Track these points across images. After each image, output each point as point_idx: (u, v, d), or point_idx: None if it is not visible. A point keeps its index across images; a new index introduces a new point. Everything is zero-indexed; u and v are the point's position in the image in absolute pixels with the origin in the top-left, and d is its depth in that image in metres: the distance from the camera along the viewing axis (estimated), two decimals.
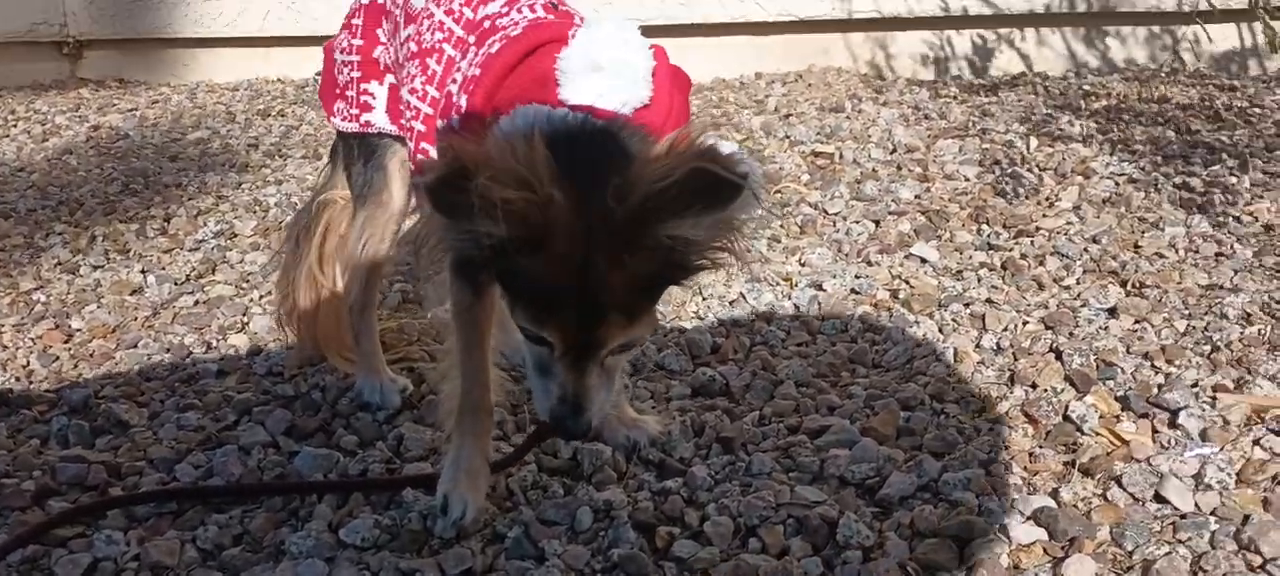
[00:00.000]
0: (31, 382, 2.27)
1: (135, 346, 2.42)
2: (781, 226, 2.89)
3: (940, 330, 2.20)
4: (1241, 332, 2.08)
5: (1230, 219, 2.67)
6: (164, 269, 2.86)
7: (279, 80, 5.48)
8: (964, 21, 5.03)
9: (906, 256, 2.58)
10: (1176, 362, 1.99)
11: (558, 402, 1.44)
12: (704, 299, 2.45)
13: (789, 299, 2.41)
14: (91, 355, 2.39)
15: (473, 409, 1.76)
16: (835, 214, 2.95)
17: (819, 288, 2.45)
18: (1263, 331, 2.07)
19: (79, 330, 2.52)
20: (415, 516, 1.70)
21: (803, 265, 2.60)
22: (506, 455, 1.79)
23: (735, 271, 2.57)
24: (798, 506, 1.65)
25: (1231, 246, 2.49)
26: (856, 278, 2.48)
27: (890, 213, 2.89)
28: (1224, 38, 4.83)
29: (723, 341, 2.24)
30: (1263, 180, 2.94)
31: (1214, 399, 1.85)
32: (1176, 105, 3.92)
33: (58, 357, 2.38)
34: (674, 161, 1.32)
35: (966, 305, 2.29)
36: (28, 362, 2.36)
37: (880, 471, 1.73)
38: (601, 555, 1.60)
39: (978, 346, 2.13)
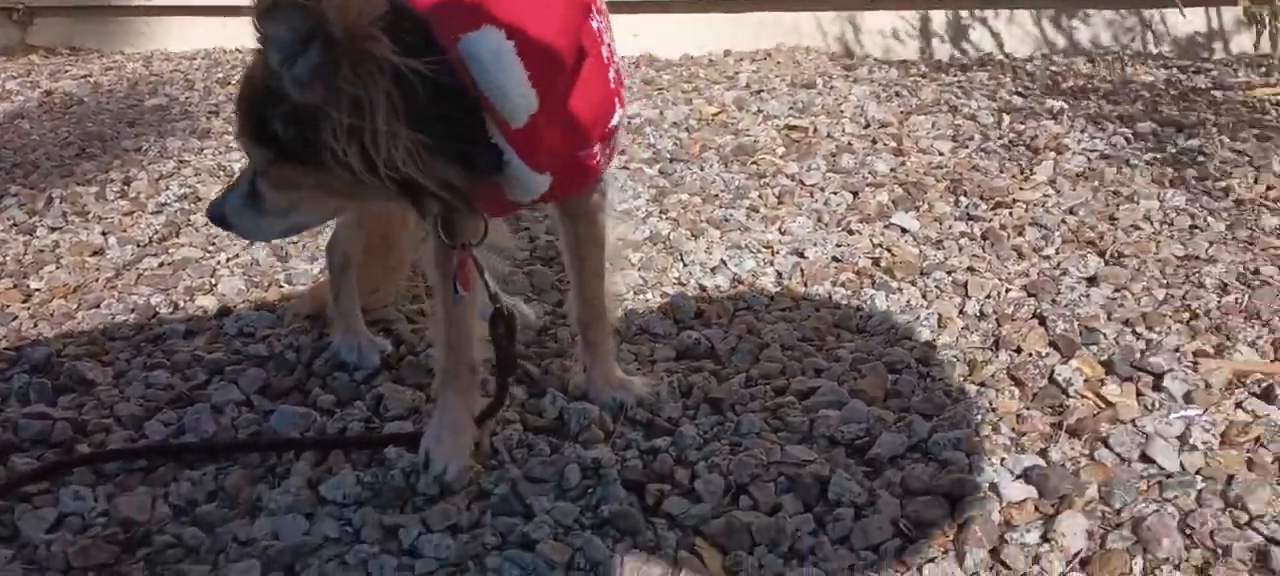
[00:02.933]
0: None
1: (98, 307, 2.35)
2: (759, 197, 2.87)
3: (924, 296, 2.20)
4: (1219, 301, 2.09)
5: (1202, 193, 2.69)
6: (125, 231, 2.78)
7: (237, 50, 5.37)
8: (934, 1, 5.04)
9: (886, 226, 2.58)
10: (1157, 329, 2.00)
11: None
12: (685, 265, 2.42)
13: (771, 265, 2.39)
14: (51, 315, 2.32)
15: (455, 366, 1.72)
16: (812, 185, 2.94)
17: (800, 255, 2.43)
18: (1239, 299, 2.08)
19: (38, 289, 2.45)
20: (397, 474, 1.66)
21: (783, 233, 2.58)
22: (485, 406, 1.75)
23: (716, 239, 2.56)
24: (788, 465, 1.63)
25: (1205, 220, 2.51)
26: (837, 246, 2.47)
27: (868, 184, 2.89)
28: (1190, 21, 4.88)
29: (706, 306, 2.21)
30: (1232, 157, 2.97)
31: (1196, 364, 1.85)
32: (1143, 85, 3.95)
33: (16, 316, 2.30)
34: None
35: (949, 273, 2.29)
36: None
37: (870, 431, 1.71)
38: (591, 512, 1.57)
39: (961, 312, 2.13)
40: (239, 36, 5.47)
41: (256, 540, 1.54)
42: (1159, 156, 3.02)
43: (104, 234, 2.75)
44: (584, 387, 1.87)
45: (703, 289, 2.31)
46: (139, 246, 2.68)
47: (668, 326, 2.14)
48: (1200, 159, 2.98)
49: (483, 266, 1.66)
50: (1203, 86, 3.95)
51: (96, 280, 2.49)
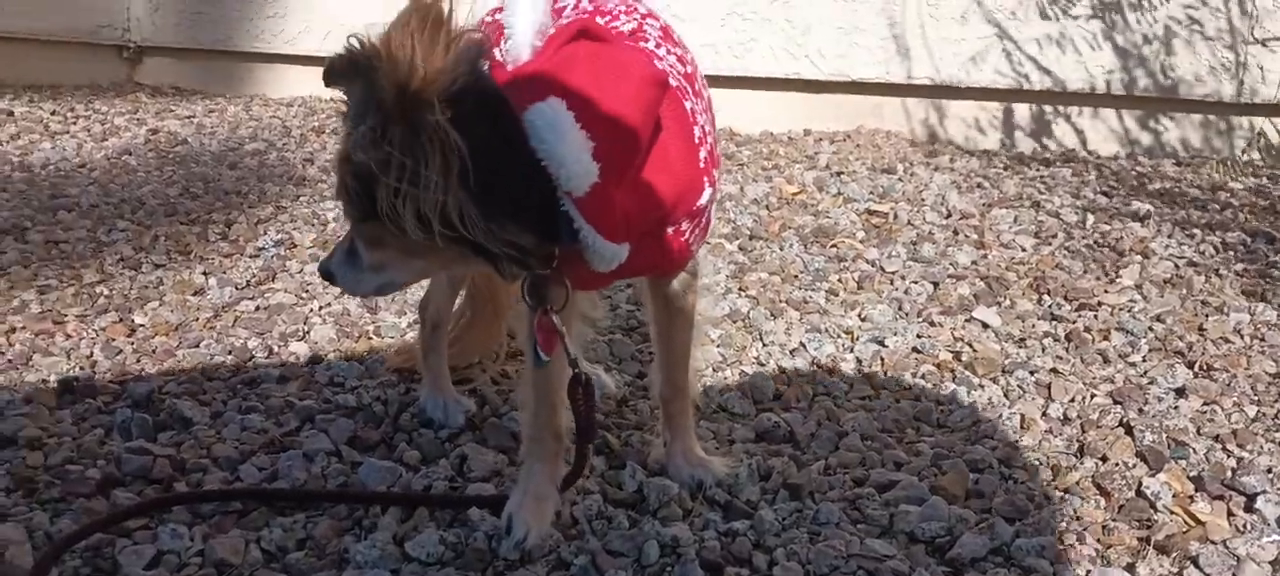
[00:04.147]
0: (95, 373, 2.28)
1: (197, 346, 2.44)
2: (839, 280, 2.89)
3: (1005, 395, 2.19)
4: None
5: None
6: (225, 272, 2.88)
7: (331, 99, 5.53)
8: (1019, 94, 5.04)
9: (967, 320, 2.58)
10: (1248, 447, 1.97)
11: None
12: (764, 344, 2.44)
13: (851, 352, 2.40)
14: (154, 351, 2.41)
15: (540, 433, 1.76)
16: (892, 272, 2.95)
17: (880, 343, 2.44)
18: None
19: (142, 325, 2.54)
20: (480, 536, 1.69)
21: (863, 320, 2.59)
22: (566, 474, 1.78)
23: (795, 320, 2.58)
24: (868, 559, 1.64)
25: None
26: (918, 337, 2.48)
27: (949, 276, 2.89)
28: (1277, 131, 4.82)
29: (784, 388, 2.23)
30: None
31: None
32: (1232, 193, 3.90)
33: (121, 350, 2.39)
34: None
35: (1031, 373, 2.28)
36: (92, 353, 2.37)
37: (950, 531, 1.71)
38: None
39: (1044, 414, 2.12)
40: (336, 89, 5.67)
41: None
42: (1249, 267, 2.98)
43: (205, 275, 2.85)
44: (664, 462, 1.89)
45: (782, 370, 2.32)
46: (237, 289, 2.77)
47: (747, 406, 2.16)
48: None
49: (565, 332, 1.69)
50: None
51: (196, 319, 2.58)
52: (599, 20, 1.70)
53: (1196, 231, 3.35)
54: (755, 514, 1.76)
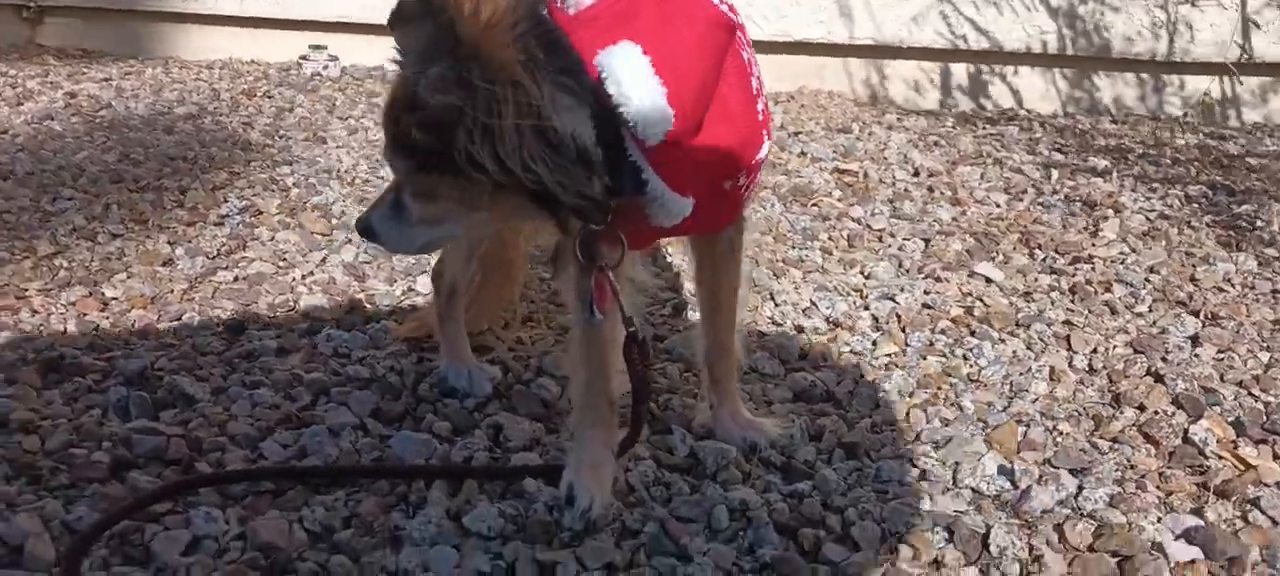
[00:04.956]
0: (71, 348, 2.11)
1: (180, 319, 2.28)
2: (830, 238, 2.87)
3: (1028, 348, 2.19)
4: None
5: (1273, 259, 2.72)
6: (191, 242, 2.71)
7: (254, 61, 5.31)
8: (956, 54, 5.09)
9: (970, 275, 2.58)
10: (1272, 392, 2.01)
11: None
12: (776, 304, 2.40)
13: (865, 309, 2.38)
14: (133, 325, 2.25)
15: (594, 399, 1.69)
16: (880, 230, 2.94)
17: (891, 299, 2.42)
18: None
19: (115, 298, 2.37)
20: (540, 507, 1.61)
21: (867, 277, 2.57)
22: (622, 438, 1.70)
23: (799, 280, 2.54)
24: (943, 516, 1.61)
25: None
26: (925, 293, 2.47)
27: (938, 232, 2.89)
28: (1205, 88, 4.98)
29: (808, 348, 2.19)
30: None
31: None
32: (1178, 149, 4.01)
33: (97, 326, 2.22)
34: None
35: (1048, 325, 2.29)
36: (65, 328, 2.20)
37: (1015, 484, 1.70)
38: (748, 555, 1.54)
39: (1071, 365, 2.12)
40: (255, 48, 5.42)
41: (408, 571, 1.48)
42: (1218, 220, 3.06)
43: (170, 244, 2.67)
44: (711, 425, 1.84)
45: (800, 330, 2.29)
46: (209, 259, 2.60)
47: (775, 366, 2.11)
48: (1258, 224, 3.02)
49: (619, 290, 1.62)
50: (1235, 152, 4.02)
51: (171, 291, 2.42)
52: None
53: (1157, 185, 3.42)
54: (817, 474, 1.72)
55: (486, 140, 1.34)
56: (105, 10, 5.63)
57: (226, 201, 2.99)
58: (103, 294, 2.38)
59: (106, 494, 1.63)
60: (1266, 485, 1.70)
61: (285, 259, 2.63)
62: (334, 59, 5.20)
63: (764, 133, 1.60)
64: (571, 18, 1.44)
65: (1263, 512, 1.63)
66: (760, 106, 1.59)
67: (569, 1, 1.48)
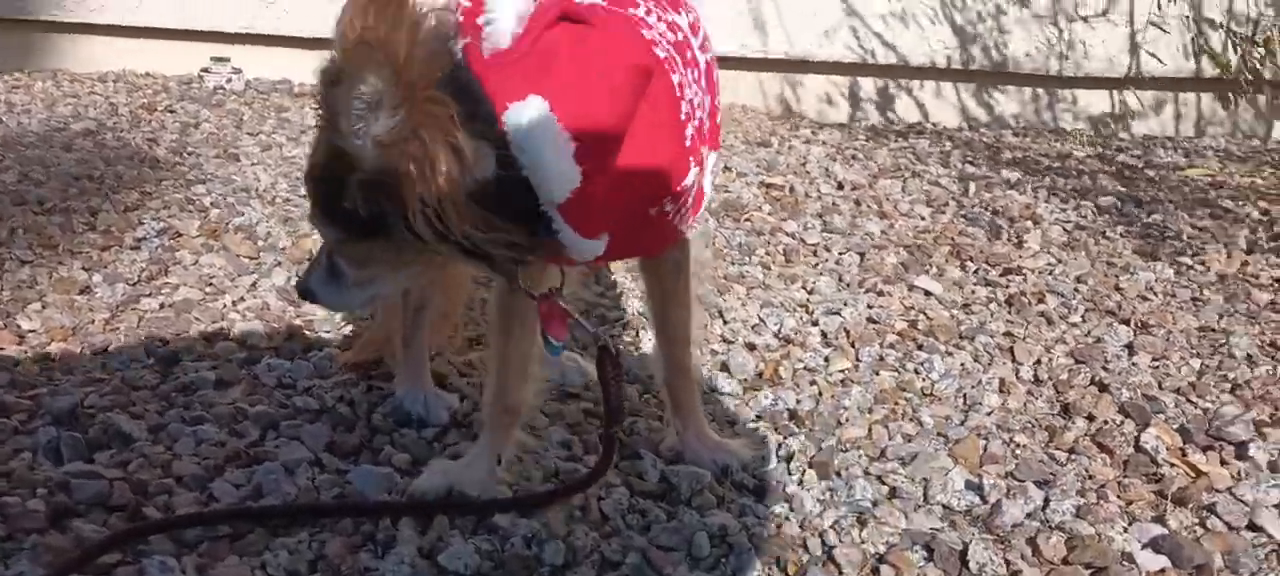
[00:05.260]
0: None
1: (106, 350, 2.16)
2: (767, 254, 2.88)
3: (976, 360, 2.23)
4: (1252, 372, 2.20)
5: (1187, 268, 2.83)
6: (109, 267, 2.57)
7: (149, 74, 5.10)
8: (865, 68, 5.19)
9: (909, 288, 2.62)
10: (1207, 398, 2.08)
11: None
12: (726, 322, 2.39)
13: (814, 325, 2.39)
14: (54, 360, 2.12)
15: (495, 405, 1.70)
16: (814, 244, 2.97)
17: (836, 314, 2.44)
18: (1273, 370, 2.20)
19: (32, 330, 2.23)
20: (518, 541, 1.57)
21: (810, 292, 2.59)
22: (595, 464, 1.68)
23: (744, 295, 2.55)
24: (920, 534, 1.62)
25: (1202, 293, 2.64)
26: (869, 308, 2.49)
27: (872, 246, 2.93)
28: (1098, 102, 5.18)
29: (763, 366, 2.19)
30: (1197, 233, 3.15)
31: (1261, 432, 1.93)
32: (1079, 161, 4.16)
33: (17, 361, 2.09)
34: None
35: (990, 337, 2.33)
36: None
37: (984, 498, 1.72)
38: None
39: (1017, 376, 2.17)
40: (150, 60, 5.20)
41: None
42: (1131, 230, 3.17)
43: (86, 270, 2.53)
44: (679, 449, 1.82)
45: (752, 347, 2.28)
46: (130, 285, 2.47)
47: (733, 385, 2.11)
48: (1169, 234, 3.14)
49: (569, 310, 1.61)
50: (1132, 164, 4.18)
51: (92, 321, 2.29)
52: None
53: (1069, 197, 3.54)
54: (793, 497, 1.71)
55: (425, 206, 1.31)
56: None
57: (142, 223, 2.85)
58: (18, 326, 2.23)
59: (49, 545, 1.53)
60: (1219, 491, 1.75)
61: (212, 284, 2.51)
62: (237, 72, 5.02)
63: (691, 159, 1.55)
64: (486, 62, 1.39)
65: (1219, 518, 1.68)
66: (690, 131, 1.54)
67: (486, 33, 1.42)
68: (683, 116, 1.53)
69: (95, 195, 3.07)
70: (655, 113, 1.48)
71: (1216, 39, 4.82)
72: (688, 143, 1.54)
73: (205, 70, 5.01)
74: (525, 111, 1.34)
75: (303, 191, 3.19)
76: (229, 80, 4.96)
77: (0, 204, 2.94)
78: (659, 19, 1.58)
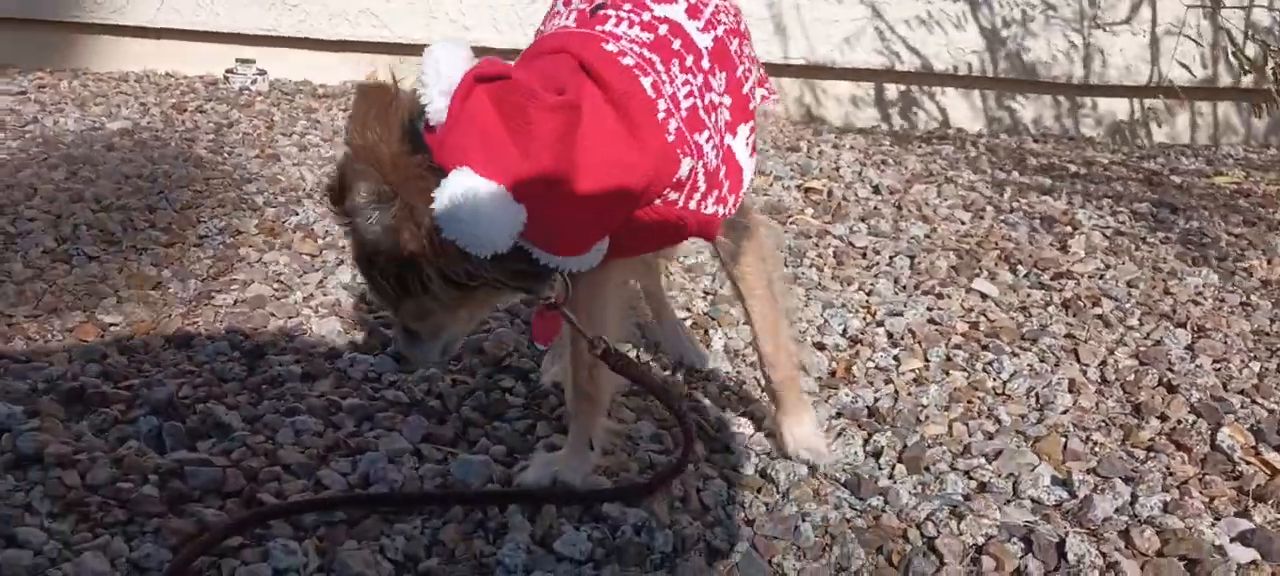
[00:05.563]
0: (86, 377, 2.01)
1: (190, 343, 2.19)
2: (818, 256, 2.92)
3: (1042, 361, 2.28)
4: None
5: (1229, 273, 2.89)
6: (175, 263, 2.59)
7: (170, 74, 5.13)
8: (890, 74, 5.25)
9: (966, 291, 2.66)
10: (1272, 399, 2.13)
11: None
12: (791, 322, 2.43)
13: (879, 326, 2.43)
14: (139, 351, 2.14)
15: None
16: (862, 247, 3.01)
17: (899, 316, 2.48)
18: None
19: (113, 323, 2.25)
20: (628, 530, 1.61)
21: (870, 294, 2.63)
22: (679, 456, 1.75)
23: (803, 296, 2.59)
24: (1017, 527, 1.66)
25: (1248, 297, 2.70)
26: (929, 310, 2.54)
27: (922, 249, 2.98)
28: (1119, 109, 5.25)
29: (835, 364, 2.23)
30: (1234, 240, 3.20)
31: None
32: (1105, 167, 4.22)
33: (105, 353, 2.11)
34: None
35: (1054, 339, 2.38)
36: (71, 357, 2.09)
37: (1073, 493, 1.77)
38: (843, 571, 1.56)
39: (1085, 377, 2.22)
40: (170, 61, 5.22)
41: None
42: (1171, 236, 3.23)
43: (154, 266, 2.56)
44: (773, 440, 1.86)
45: (821, 347, 2.33)
46: (201, 281, 2.50)
47: (809, 383, 2.15)
48: (1206, 240, 3.20)
49: (572, 317, 1.69)
50: (1156, 170, 4.25)
51: (169, 315, 2.32)
52: None
53: (1104, 203, 3.59)
54: (888, 490, 1.75)
55: (431, 265, 1.46)
56: (4, 18, 5.34)
57: (201, 221, 2.88)
58: (101, 320, 2.26)
59: (173, 529, 1.56)
60: None
61: (281, 280, 2.54)
62: (262, 73, 5.04)
63: (679, 151, 1.55)
64: (433, 136, 1.47)
65: None
66: (673, 127, 1.55)
67: (428, 113, 1.48)
68: (661, 114, 1.54)
69: (150, 194, 3.09)
70: (620, 115, 1.50)
71: (1248, 49, 4.89)
72: (672, 136, 1.54)
73: (230, 71, 5.03)
74: (449, 185, 1.41)
75: None
76: (254, 81, 4.98)
77: (57, 201, 2.97)
78: (631, 24, 1.63)
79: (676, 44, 1.61)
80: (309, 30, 5.25)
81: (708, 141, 1.59)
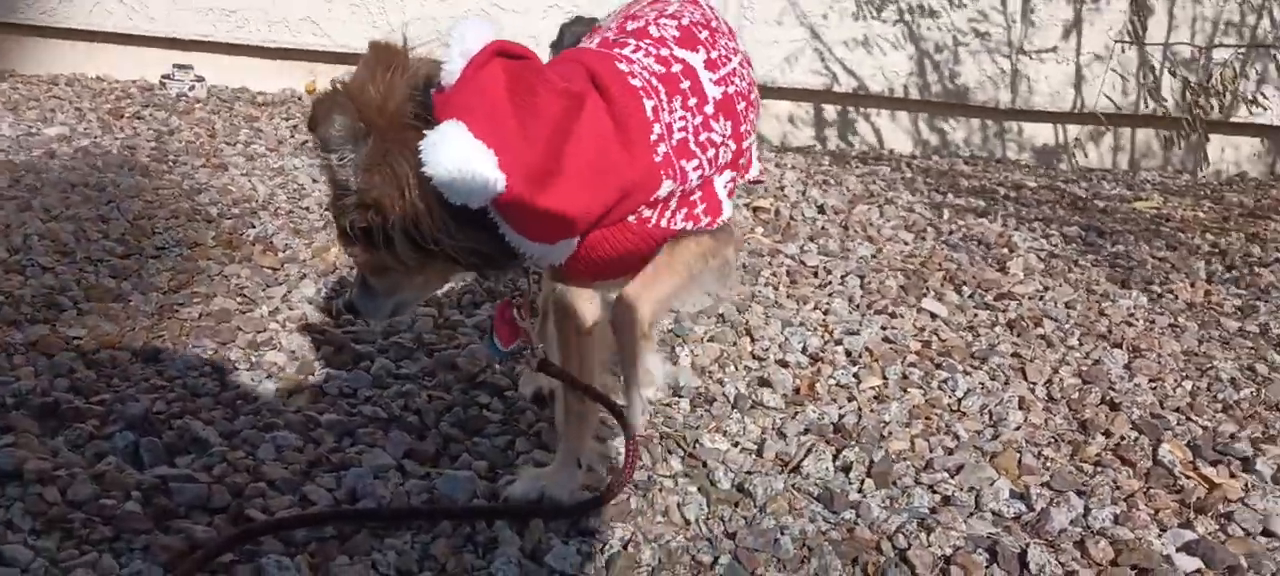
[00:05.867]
0: (56, 392, 1.99)
1: (156, 358, 2.17)
2: (773, 275, 3.00)
3: (993, 379, 2.38)
4: (1238, 393, 2.39)
5: (1157, 296, 3.04)
6: (138, 276, 2.57)
7: (101, 78, 5.03)
8: (828, 95, 5.38)
9: (917, 310, 2.77)
10: (1204, 416, 2.27)
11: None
12: (754, 340, 2.51)
13: (838, 344, 2.52)
14: (107, 365, 2.13)
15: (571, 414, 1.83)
16: (813, 267, 3.10)
17: (854, 334, 2.57)
18: (1259, 393, 2.39)
19: (78, 337, 2.23)
20: (615, 544, 1.66)
21: (826, 314, 2.72)
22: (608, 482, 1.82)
23: (762, 314, 2.67)
24: (982, 539, 1.75)
25: (1177, 320, 2.85)
26: (883, 328, 2.63)
27: (870, 270, 3.08)
28: (1044, 134, 5.46)
29: (799, 381, 2.31)
30: (1158, 264, 3.37)
31: (1259, 448, 2.12)
32: (1032, 191, 4.39)
33: (72, 367, 2.09)
34: None
35: (1001, 358, 2.49)
36: (36, 370, 2.06)
37: (1031, 506, 1.86)
38: None
39: (1034, 394, 2.33)
40: (102, 65, 5.13)
41: None
42: (1100, 259, 3.38)
43: (113, 277, 2.53)
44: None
45: (784, 364, 2.40)
46: (162, 294, 2.48)
47: (777, 400, 2.22)
48: (1132, 264, 3.36)
49: (522, 320, 1.75)
50: (1080, 194, 4.43)
51: (133, 329, 2.30)
52: (629, 24, 1.80)
53: (1036, 225, 3.75)
54: (859, 504, 1.83)
55: (397, 221, 1.48)
56: None
57: (156, 232, 2.85)
58: (63, 332, 2.23)
59: (163, 546, 1.56)
60: (1232, 501, 1.93)
61: (245, 294, 2.54)
62: (200, 79, 4.98)
63: (663, 172, 1.63)
64: (441, 98, 1.52)
65: (1238, 525, 1.85)
66: (662, 150, 1.63)
67: (443, 74, 1.54)
68: (654, 137, 1.62)
69: (99, 203, 3.05)
70: (618, 129, 1.58)
71: (1166, 82, 5.13)
72: (659, 158, 1.62)
73: (166, 77, 4.95)
74: (439, 131, 1.46)
75: (304, 204, 3.23)
76: (192, 88, 4.91)
77: (5, 209, 2.91)
78: (649, 55, 1.71)
79: (685, 84, 1.68)
80: (247, 37, 5.20)
81: (696, 170, 1.66)
